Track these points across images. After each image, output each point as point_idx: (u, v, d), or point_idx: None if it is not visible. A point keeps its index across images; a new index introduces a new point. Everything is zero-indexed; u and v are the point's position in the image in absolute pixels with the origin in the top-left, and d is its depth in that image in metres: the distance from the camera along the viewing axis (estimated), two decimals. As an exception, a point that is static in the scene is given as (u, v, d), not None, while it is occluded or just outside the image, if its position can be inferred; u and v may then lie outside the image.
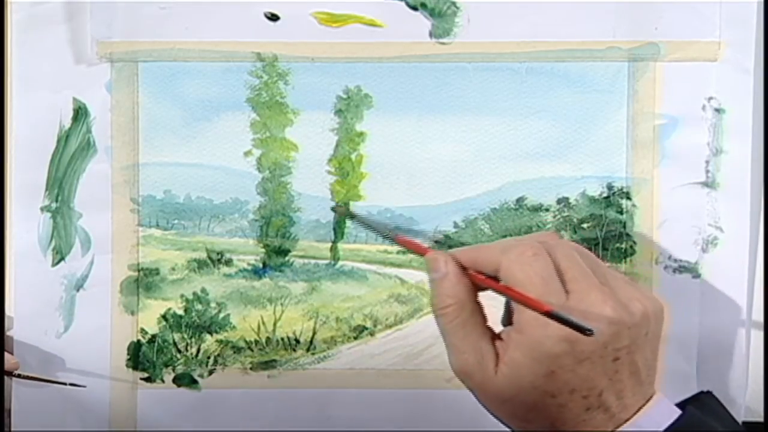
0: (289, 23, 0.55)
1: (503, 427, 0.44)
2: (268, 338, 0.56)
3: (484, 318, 0.45)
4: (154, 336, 0.56)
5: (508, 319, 0.45)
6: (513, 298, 0.43)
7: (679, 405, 0.44)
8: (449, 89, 0.55)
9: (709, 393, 0.48)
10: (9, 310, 0.55)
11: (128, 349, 0.56)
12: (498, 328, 0.45)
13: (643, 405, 0.43)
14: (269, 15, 0.55)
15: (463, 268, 0.45)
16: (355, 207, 0.56)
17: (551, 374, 0.42)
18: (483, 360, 0.43)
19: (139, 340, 0.56)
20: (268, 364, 0.56)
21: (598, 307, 0.41)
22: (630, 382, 0.42)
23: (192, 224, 0.56)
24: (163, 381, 0.57)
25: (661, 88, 0.55)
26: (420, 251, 0.47)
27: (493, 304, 0.45)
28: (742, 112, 0.55)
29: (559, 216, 0.56)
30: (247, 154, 0.56)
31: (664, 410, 0.43)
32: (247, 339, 0.56)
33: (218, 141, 0.56)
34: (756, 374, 0.56)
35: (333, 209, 0.56)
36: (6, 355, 0.54)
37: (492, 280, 0.44)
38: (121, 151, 0.56)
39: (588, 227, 0.56)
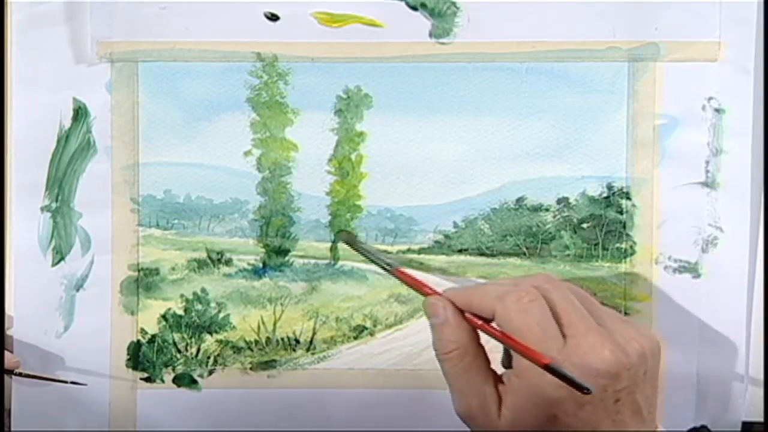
0: (289, 23, 0.55)
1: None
2: (268, 338, 0.56)
3: (487, 361, 0.45)
4: (154, 336, 0.56)
5: (507, 361, 0.45)
6: (511, 346, 0.43)
7: None
8: (449, 89, 0.55)
9: (704, 427, 0.48)
10: (9, 309, 0.55)
11: (128, 349, 0.56)
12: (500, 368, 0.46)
13: None
14: (269, 15, 0.55)
15: (461, 312, 0.45)
16: (355, 206, 0.56)
17: (553, 418, 0.42)
18: (486, 404, 0.44)
19: (139, 340, 0.56)
20: (268, 364, 0.57)
21: (597, 350, 0.42)
22: (632, 421, 0.42)
23: (192, 224, 0.56)
24: (163, 381, 0.57)
25: (661, 88, 0.55)
26: (420, 289, 0.47)
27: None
28: (742, 112, 0.55)
29: (559, 216, 0.56)
30: (247, 154, 0.56)
31: None
32: (247, 339, 0.56)
33: (218, 141, 0.56)
34: (756, 374, 0.56)
35: (337, 234, 0.56)
36: (6, 353, 0.54)
37: (490, 326, 0.44)
38: (121, 151, 0.56)
39: (588, 227, 0.56)
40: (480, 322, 0.44)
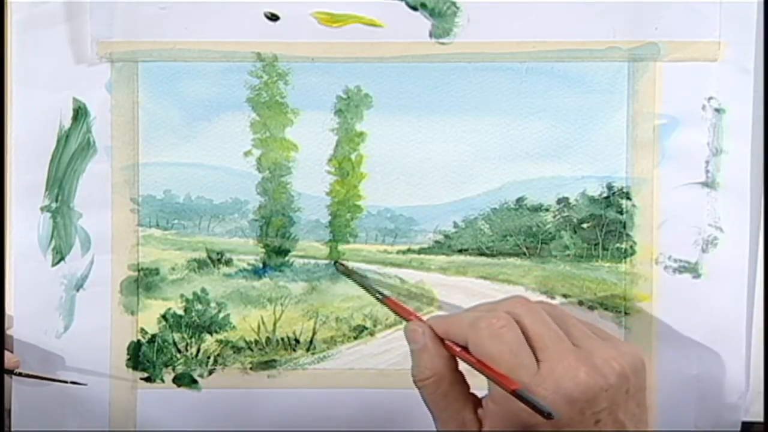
0: (289, 23, 0.55)
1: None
2: (268, 338, 0.56)
3: (465, 386, 0.46)
4: (154, 336, 0.56)
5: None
6: (483, 373, 0.43)
7: None
8: (449, 89, 0.55)
9: None
10: (9, 309, 0.55)
11: (128, 348, 0.56)
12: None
13: None
14: (269, 15, 0.55)
15: (441, 340, 0.45)
16: (355, 206, 0.56)
17: None
18: (465, 430, 0.44)
19: (139, 340, 0.56)
20: (268, 364, 0.57)
21: (572, 374, 0.42)
22: None
23: (192, 224, 0.56)
24: (163, 381, 0.57)
25: (661, 88, 0.55)
26: (407, 316, 0.48)
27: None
28: (742, 112, 0.55)
29: (559, 216, 0.56)
30: (247, 154, 0.56)
31: None
32: (247, 339, 0.56)
33: (218, 141, 0.56)
34: (756, 374, 0.56)
35: (335, 265, 0.56)
36: (6, 353, 0.54)
37: (466, 352, 0.44)
38: (121, 151, 0.56)
39: (588, 227, 0.56)
40: (458, 350, 0.45)
